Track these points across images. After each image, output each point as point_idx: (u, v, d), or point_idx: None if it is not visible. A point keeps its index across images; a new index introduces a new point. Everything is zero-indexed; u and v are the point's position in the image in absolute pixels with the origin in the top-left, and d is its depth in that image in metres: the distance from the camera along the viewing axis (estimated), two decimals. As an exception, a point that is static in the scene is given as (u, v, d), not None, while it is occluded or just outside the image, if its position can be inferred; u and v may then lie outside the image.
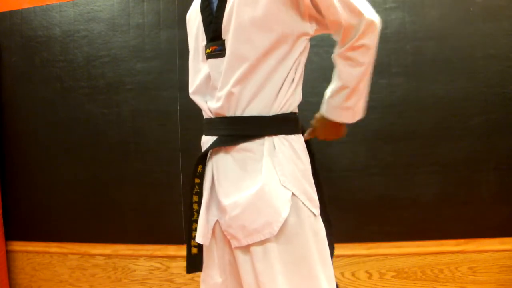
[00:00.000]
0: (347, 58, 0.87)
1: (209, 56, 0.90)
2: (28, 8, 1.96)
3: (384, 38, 1.68)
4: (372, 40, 0.87)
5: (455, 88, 1.65)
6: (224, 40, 0.86)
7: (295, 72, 0.88)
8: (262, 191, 0.82)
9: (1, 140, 2.01)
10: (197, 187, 0.91)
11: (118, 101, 1.88)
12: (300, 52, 0.87)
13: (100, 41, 1.89)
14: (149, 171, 1.85)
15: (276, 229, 0.82)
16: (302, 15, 0.84)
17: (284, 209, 0.82)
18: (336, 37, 0.89)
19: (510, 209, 1.63)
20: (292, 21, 0.84)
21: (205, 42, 0.91)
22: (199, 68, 0.95)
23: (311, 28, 0.87)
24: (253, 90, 0.85)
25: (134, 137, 1.87)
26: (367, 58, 0.88)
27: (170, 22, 1.83)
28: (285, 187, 0.83)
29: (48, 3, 1.93)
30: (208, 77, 0.92)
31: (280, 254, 0.83)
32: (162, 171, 1.84)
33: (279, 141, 0.86)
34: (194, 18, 0.98)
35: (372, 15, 0.85)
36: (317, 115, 1.00)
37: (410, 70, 1.65)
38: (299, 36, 0.86)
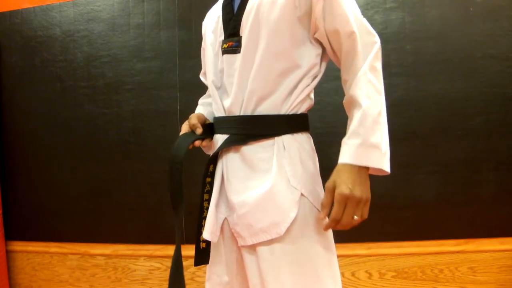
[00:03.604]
0: (367, 81, 0.79)
1: (225, 51, 0.90)
2: (28, 8, 1.96)
3: (384, 38, 1.68)
4: (380, 62, 0.83)
5: (455, 88, 1.65)
6: (241, 37, 0.87)
7: (311, 78, 0.88)
8: (271, 192, 0.82)
9: (1, 140, 2.01)
10: (208, 185, 0.92)
11: (118, 101, 1.88)
12: (314, 62, 0.87)
13: (100, 41, 1.89)
14: (149, 171, 1.85)
15: (283, 229, 0.82)
16: (309, 33, 0.85)
17: (292, 210, 0.82)
18: (341, 62, 0.85)
19: (510, 209, 1.63)
20: (305, 28, 0.85)
21: (222, 38, 0.92)
22: (216, 62, 0.95)
23: (316, 51, 0.86)
24: (266, 90, 0.86)
25: (134, 137, 1.87)
26: (382, 84, 0.81)
27: (170, 22, 1.83)
28: (294, 187, 0.83)
29: (48, 3, 1.94)
30: (222, 72, 0.92)
31: (287, 254, 0.83)
32: (162, 171, 1.84)
33: (289, 141, 0.86)
34: (214, 14, 0.99)
35: (377, 38, 0.83)
36: (334, 176, 0.79)
37: (410, 70, 1.65)
38: (311, 43, 0.86)
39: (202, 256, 0.94)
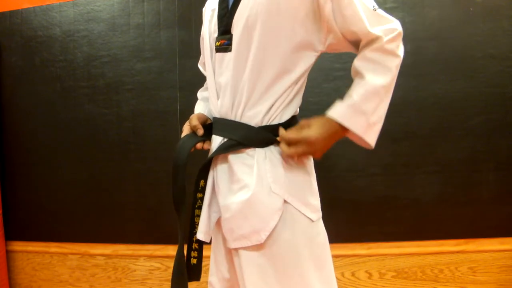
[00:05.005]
0: (371, 61, 0.80)
1: (217, 49, 0.89)
2: (28, 8, 1.96)
3: (384, 38, 1.68)
4: (400, 50, 0.81)
5: (455, 88, 1.65)
6: (232, 35, 0.85)
7: (296, 84, 0.86)
8: (251, 200, 0.82)
9: (1, 140, 2.01)
10: (199, 201, 0.91)
11: (118, 101, 1.88)
12: (306, 68, 0.85)
13: (100, 41, 1.89)
14: (149, 171, 1.85)
15: (263, 237, 0.81)
16: (319, 27, 0.82)
17: (272, 218, 0.81)
18: (355, 51, 0.85)
19: (510, 209, 1.63)
20: (306, 32, 0.82)
21: (216, 34, 0.90)
22: (211, 59, 0.93)
23: (325, 43, 0.84)
24: (255, 95, 0.84)
25: (134, 137, 1.87)
26: (394, 64, 0.80)
27: (170, 22, 1.83)
28: (276, 193, 0.82)
29: (48, 3, 1.93)
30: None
31: (269, 260, 0.82)
32: (162, 171, 1.84)
33: (272, 149, 0.85)
34: (211, 5, 0.97)
35: (399, 26, 0.82)
36: (315, 120, 0.82)
37: (410, 70, 1.65)
38: (309, 50, 0.84)
39: (193, 273, 0.94)
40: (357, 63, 0.82)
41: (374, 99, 0.79)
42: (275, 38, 0.81)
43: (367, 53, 0.80)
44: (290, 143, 0.81)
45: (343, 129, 0.80)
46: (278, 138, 0.84)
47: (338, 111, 0.80)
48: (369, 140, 0.81)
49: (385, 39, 0.79)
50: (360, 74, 0.81)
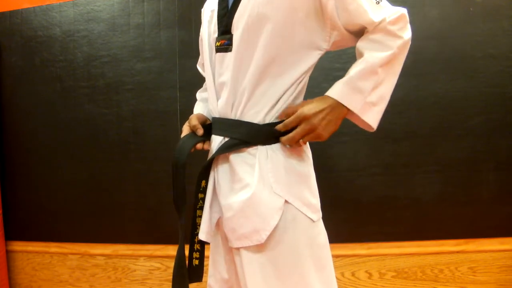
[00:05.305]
0: (372, 41, 0.80)
1: (217, 49, 0.89)
2: (28, 8, 1.96)
3: (384, 38, 1.68)
4: (405, 32, 0.80)
5: (455, 88, 1.65)
6: (232, 35, 0.85)
7: (299, 83, 0.86)
8: (252, 199, 0.82)
9: (1, 140, 2.01)
10: (200, 201, 0.91)
11: (118, 101, 1.88)
12: (308, 67, 0.85)
13: (100, 41, 1.89)
14: (149, 171, 1.85)
15: (264, 237, 0.81)
16: (323, 25, 0.82)
17: (273, 218, 0.81)
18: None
19: (510, 209, 1.63)
20: (308, 31, 0.82)
21: (216, 35, 0.90)
22: (211, 59, 0.92)
23: (329, 41, 0.84)
24: (256, 95, 0.84)
25: (134, 137, 1.87)
26: (396, 44, 0.79)
27: (170, 22, 1.83)
28: (277, 194, 0.82)
29: (48, 3, 1.93)
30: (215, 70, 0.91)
31: (270, 260, 0.82)
32: (162, 171, 1.84)
33: (273, 148, 0.84)
34: (210, 5, 0.96)
35: (403, 10, 0.82)
36: (311, 100, 0.83)
37: (410, 69, 1.65)
38: (312, 49, 0.84)
39: (195, 274, 0.93)
40: (359, 43, 0.83)
41: (371, 77, 0.79)
42: (276, 38, 0.81)
43: (370, 34, 0.81)
44: (288, 128, 0.82)
45: (343, 107, 0.80)
46: (276, 127, 0.83)
47: (333, 88, 0.82)
48: (368, 121, 0.81)
49: (388, 20, 0.79)
50: (361, 54, 0.82)
